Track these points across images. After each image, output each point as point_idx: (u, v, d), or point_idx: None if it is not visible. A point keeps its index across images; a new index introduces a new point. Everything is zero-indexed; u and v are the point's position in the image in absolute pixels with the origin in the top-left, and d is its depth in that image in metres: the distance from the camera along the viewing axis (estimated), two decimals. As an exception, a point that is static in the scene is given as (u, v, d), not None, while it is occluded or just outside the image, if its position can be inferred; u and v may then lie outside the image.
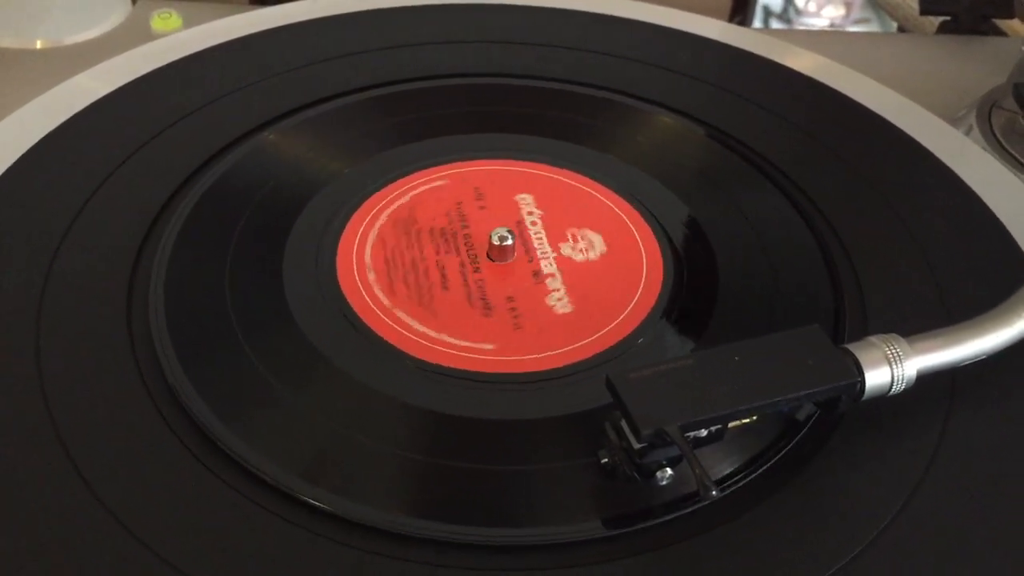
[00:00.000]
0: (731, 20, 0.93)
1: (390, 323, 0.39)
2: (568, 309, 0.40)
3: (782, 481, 0.33)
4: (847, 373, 0.33)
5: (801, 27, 1.29)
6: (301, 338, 0.38)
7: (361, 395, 0.36)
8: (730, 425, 0.32)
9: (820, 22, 1.32)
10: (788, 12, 1.33)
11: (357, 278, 0.41)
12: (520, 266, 0.42)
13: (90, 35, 0.63)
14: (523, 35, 0.56)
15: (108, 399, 0.35)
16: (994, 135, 0.54)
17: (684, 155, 0.49)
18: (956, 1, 0.69)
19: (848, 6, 1.31)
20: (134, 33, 0.63)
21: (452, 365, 0.37)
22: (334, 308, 0.39)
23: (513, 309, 0.40)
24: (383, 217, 0.44)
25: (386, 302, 0.40)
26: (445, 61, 0.54)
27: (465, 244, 0.43)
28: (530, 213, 0.45)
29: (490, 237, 0.42)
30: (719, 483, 0.33)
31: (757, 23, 1.21)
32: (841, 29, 1.29)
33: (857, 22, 1.30)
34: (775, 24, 1.31)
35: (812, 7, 1.32)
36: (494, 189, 0.46)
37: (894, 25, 0.91)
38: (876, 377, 0.33)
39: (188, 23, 0.62)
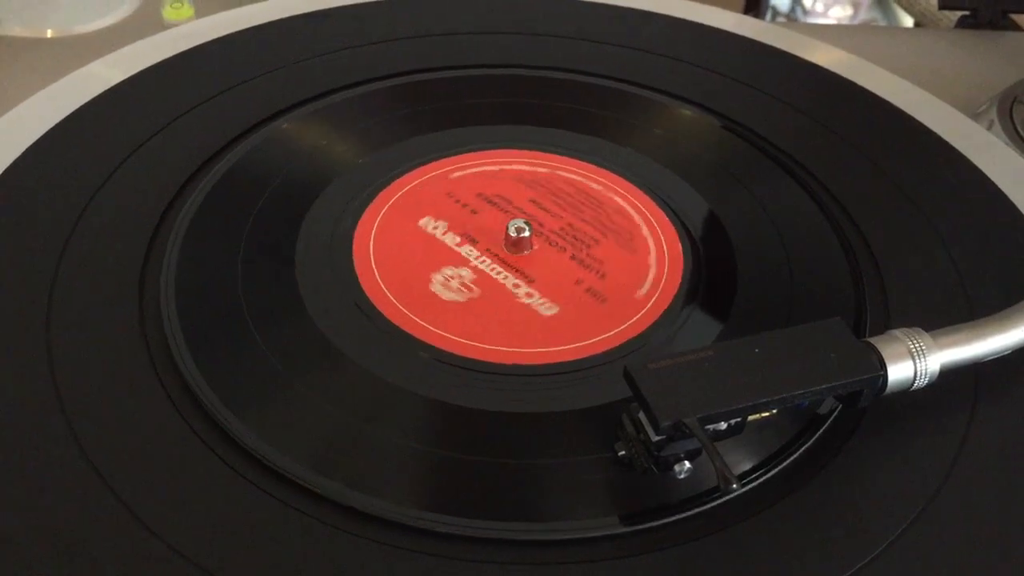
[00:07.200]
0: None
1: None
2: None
3: (802, 477, 0.33)
4: (869, 367, 0.32)
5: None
6: (314, 328, 0.37)
7: (376, 386, 0.35)
8: (750, 418, 0.31)
9: (827, 22, 1.31)
10: (795, 12, 1.32)
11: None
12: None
13: (101, 24, 0.62)
14: (539, 26, 0.56)
15: (119, 388, 0.34)
16: (1015, 130, 0.53)
17: (703, 148, 0.49)
18: (975, -4, 0.68)
19: (856, 6, 1.30)
20: (146, 22, 0.62)
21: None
22: (348, 298, 0.39)
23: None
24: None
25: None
26: (459, 52, 0.53)
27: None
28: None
29: (507, 229, 0.41)
30: (740, 478, 0.32)
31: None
32: (851, 28, 1.28)
33: (864, 23, 1.29)
34: (783, 24, 1.31)
35: (819, 7, 1.31)
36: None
37: (904, 24, 0.90)
38: (899, 371, 0.33)
39: (200, 12, 0.62)
